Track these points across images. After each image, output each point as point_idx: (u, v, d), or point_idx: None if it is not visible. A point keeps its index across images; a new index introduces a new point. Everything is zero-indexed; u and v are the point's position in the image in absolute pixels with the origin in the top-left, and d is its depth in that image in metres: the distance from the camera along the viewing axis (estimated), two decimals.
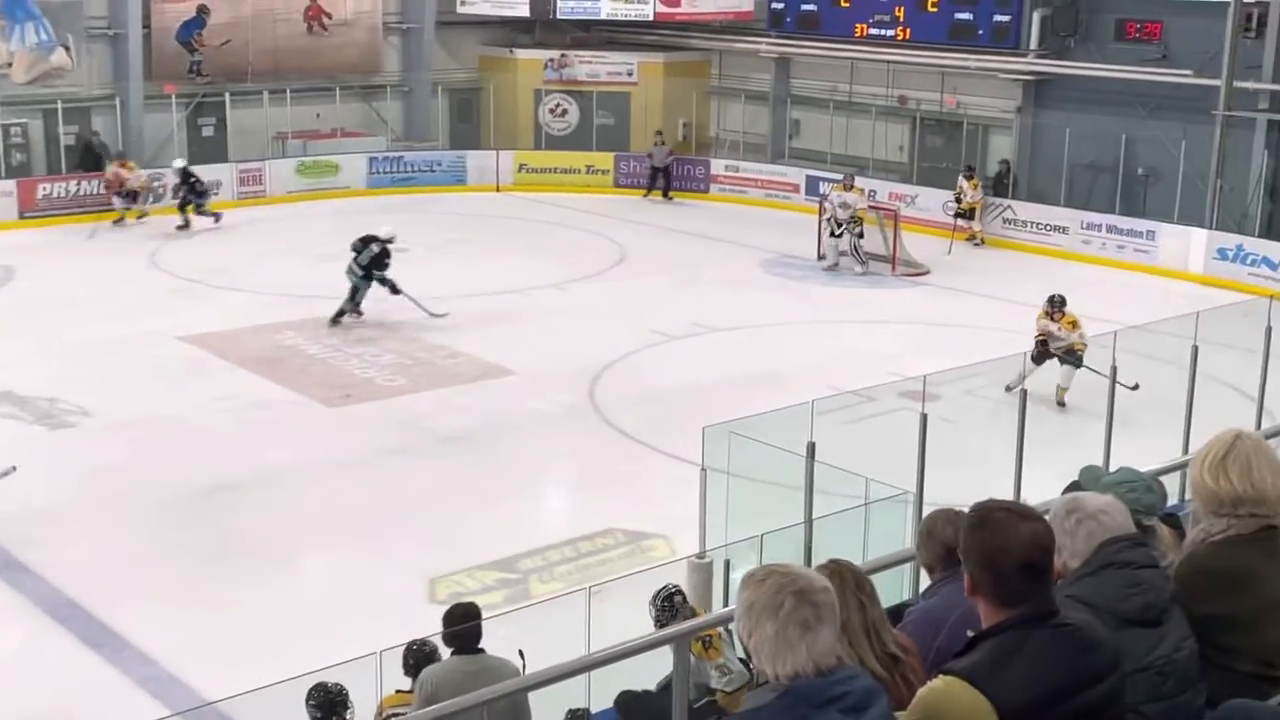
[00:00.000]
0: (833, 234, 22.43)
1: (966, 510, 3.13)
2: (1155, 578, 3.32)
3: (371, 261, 18.43)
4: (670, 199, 28.17)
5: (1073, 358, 14.92)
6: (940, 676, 2.88)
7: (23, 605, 10.81)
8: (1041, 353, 15.02)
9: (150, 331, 17.98)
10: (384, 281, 18.55)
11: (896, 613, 5.50)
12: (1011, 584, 2.92)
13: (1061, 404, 14.97)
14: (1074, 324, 15.21)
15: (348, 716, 7.04)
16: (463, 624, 7.19)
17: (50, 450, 14.11)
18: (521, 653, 7.10)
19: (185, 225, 24.28)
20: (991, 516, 2.99)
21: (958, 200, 24.43)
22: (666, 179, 28.34)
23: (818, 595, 2.67)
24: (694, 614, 7.74)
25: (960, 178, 24.63)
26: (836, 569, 3.47)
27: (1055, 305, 15.38)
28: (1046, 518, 3.50)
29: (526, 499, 13.53)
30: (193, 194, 24.42)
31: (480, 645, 7.18)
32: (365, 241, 18.52)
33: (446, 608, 7.77)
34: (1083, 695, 2.88)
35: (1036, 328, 15.46)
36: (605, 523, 12.41)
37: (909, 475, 10.18)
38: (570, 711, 7.25)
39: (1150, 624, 3.24)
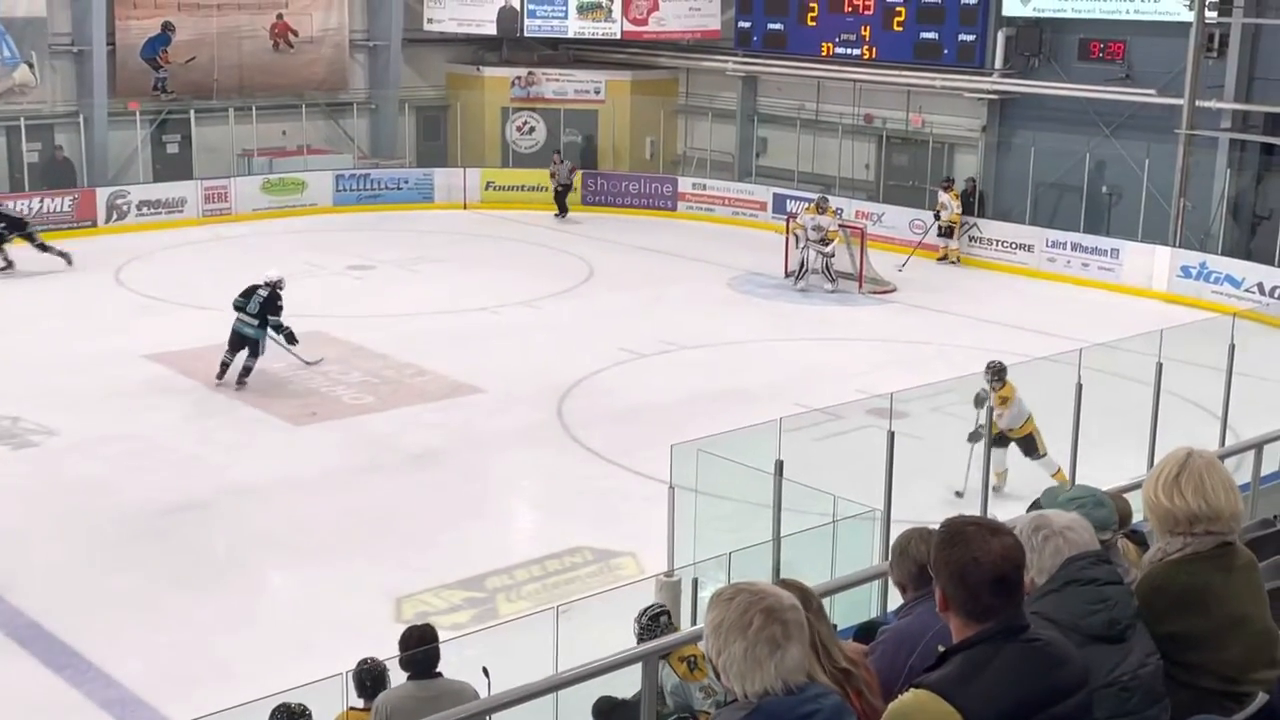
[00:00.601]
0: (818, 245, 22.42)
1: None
2: (1120, 594, 3.34)
3: (262, 308, 16.55)
4: (565, 214, 27.91)
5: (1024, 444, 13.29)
6: (911, 690, 2.89)
7: None
8: (994, 438, 12.84)
9: (114, 349, 17.85)
10: (279, 328, 16.74)
11: (868, 630, 5.53)
12: (983, 598, 2.94)
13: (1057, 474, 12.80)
14: (1005, 400, 12.95)
15: None
16: (419, 647, 7.10)
17: (13, 469, 13.97)
18: (486, 670, 7.05)
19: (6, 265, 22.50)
20: (962, 531, 3.00)
21: (937, 216, 24.48)
22: (560, 197, 28.05)
23: (786, 613, 2.67)
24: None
25: (940, 192, 24.68)
26: (784, 585, 3.47)
27: (994, 375, 13.07)
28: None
29: (494, 517, 13.49)
30: (11, 230, 22.46)
31: (438, 669, 7.08)
32: (248, 293, 16.67)
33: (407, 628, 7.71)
34: (1051, 710, 2.90)
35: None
36: (573, 541, 12.39)
37: (876, 493, 10.21)
38: None
39: (1114, 640, 3.25)
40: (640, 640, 7.63)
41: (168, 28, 27.08)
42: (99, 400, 15.96)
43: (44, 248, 22.41)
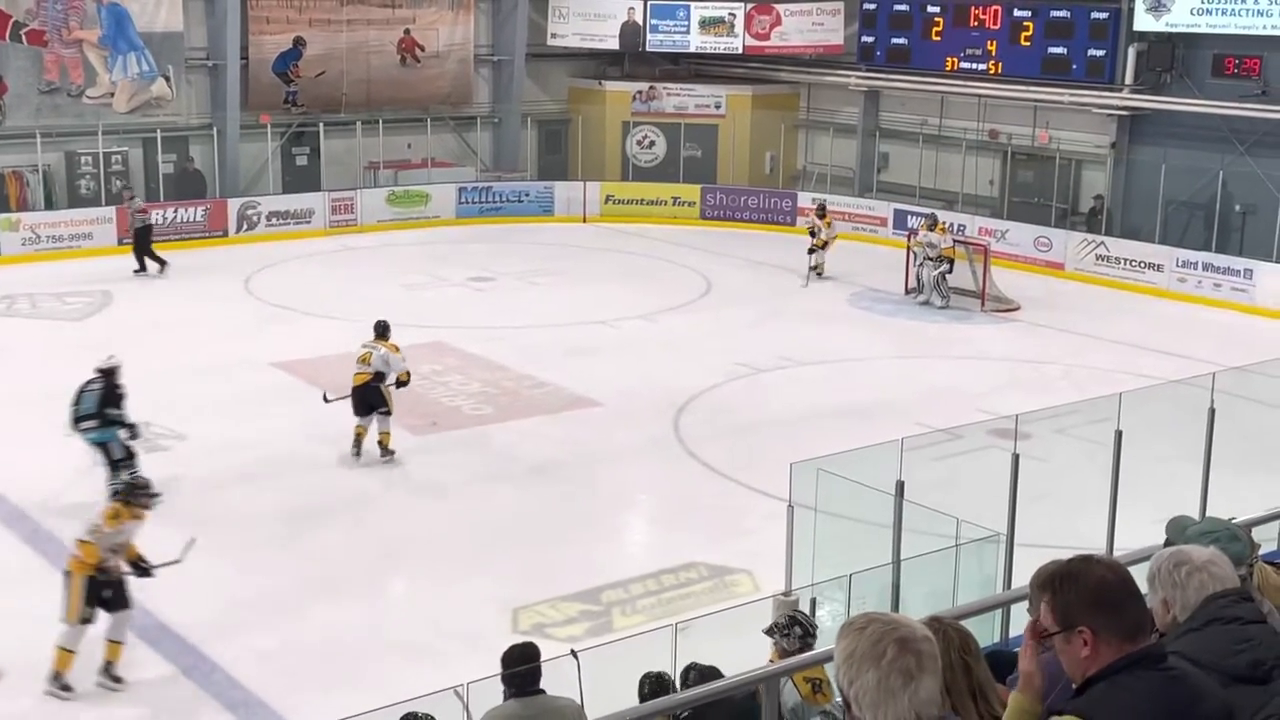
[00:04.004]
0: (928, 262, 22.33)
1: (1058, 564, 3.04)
2: (1264, 634, 3.23)
3: (101, 402, 13.40)
4: (148, 267, 23.19)
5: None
6: (1053, 716, 2.83)
7: None
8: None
9: (242, 357, 18.26)
10: (120, 423, 13.48)
11: (991, 659, 5.41)
12: (1130, 611, 2.89)
13: None
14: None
15: None
16: (521, 664, 7.04)
17: (144, 473, 14.31)
18: (574, 652, 6.96)
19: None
20: (1069, 568, 2.95)
21: (813, 234, 24.01)
22: (140, 243, 23.18)
23: (920, 644, 2.63)
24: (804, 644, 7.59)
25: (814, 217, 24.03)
26: (940, 626, 3.39)
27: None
28: (1149, 568, 3.43)
29: (610, 531, 13.53)
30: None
31: (539, 686, 7.01)
32: (81, 392, 13.46)
33: (521, 641, 7.67)
34: None
35: None
36: (688, 556, 12.36)
37: (998, 516, 10.02)
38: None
39: (1259, 681, 3.14)
40: (773, 632, 7.56)
41: (299, 43, 27.72)
42: (227, 406, 16.33)
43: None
